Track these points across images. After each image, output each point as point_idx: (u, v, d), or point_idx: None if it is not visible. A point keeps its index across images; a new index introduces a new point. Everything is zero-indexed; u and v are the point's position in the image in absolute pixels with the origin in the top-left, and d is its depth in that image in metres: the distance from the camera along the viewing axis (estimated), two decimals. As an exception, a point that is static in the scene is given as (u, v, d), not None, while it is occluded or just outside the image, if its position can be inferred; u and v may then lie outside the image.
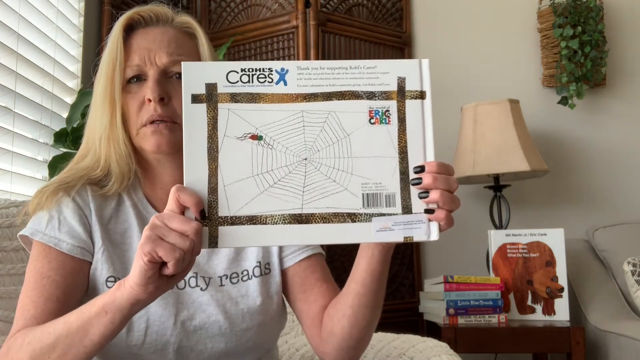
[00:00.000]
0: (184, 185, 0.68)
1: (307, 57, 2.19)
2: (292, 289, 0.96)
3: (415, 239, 0.70)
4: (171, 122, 0.88)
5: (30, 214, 0.90)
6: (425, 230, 0.70)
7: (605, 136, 2.44)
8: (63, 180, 0.90)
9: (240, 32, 2.31)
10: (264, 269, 0.94)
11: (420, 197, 0.70)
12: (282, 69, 0.71)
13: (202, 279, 0.90)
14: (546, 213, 2.42)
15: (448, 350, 1.02)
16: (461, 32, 2.54)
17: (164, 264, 0.66)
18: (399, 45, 2.49)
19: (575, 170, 2.45)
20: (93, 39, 2.00)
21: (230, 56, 2.33)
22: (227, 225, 0.68)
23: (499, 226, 2.15)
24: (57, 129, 1.69)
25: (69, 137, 1.62)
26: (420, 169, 0.70)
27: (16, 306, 0.85)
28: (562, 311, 1.88)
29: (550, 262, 1.92)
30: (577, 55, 2.32)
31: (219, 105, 0.70)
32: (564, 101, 2.36)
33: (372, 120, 0.71)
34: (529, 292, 1.92)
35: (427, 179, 0.70)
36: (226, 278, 0.92)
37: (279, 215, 0.68)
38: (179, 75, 0.89)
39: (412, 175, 0.70)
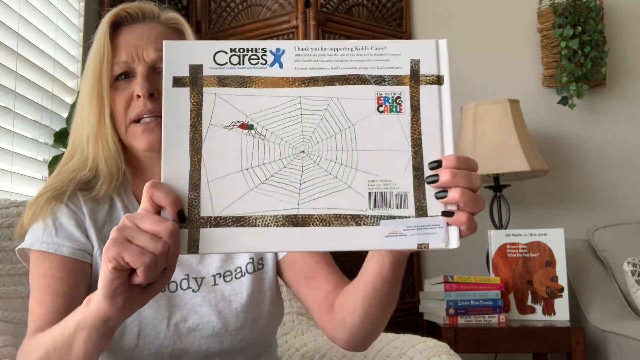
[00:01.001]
0: (162, 180, 0.59)
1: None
2: (293, 276, 0.93)
3: (432, 247, 0.60)
4: (161, 118, 0.87)
5: (26, 226, 0.89)
6: (442, 237, 0.61)
7: (605, 136, 2.44)
8: (53, 186, 0.89)
9: (240, 32, 2.31)
10: (257, 264, 0.93)
11: (437, 197, 0.61)
12: (278, 50, 0.63)
13: (193, 280, 0.90)
14: (546, 213, 2.42)
15: (448, 350, 1.02)
16: (461, 32, 2.54)
17: (133, 272, 0.58)
18: (399, 45, 2.49)
19: (575, 170, 2.45)
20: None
21: (230, 56, 2.33)
22: (210, 227, 0.59)
23: (499, 226, 2.15)
24: (57, 129, 1.69)
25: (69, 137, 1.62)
26: (437, 164, 0.61)
27: (16, 306, 0.85)
28: (562, 311, 1.88)
29: (550, 262, 1.92)
30: (577, 55, 2.32)
31: (204, 89, 0.62)
32: (564, 101, 2.36)
33: (381, 109, 0.62)
34: (529, 292, 1.92)
35: (444, 175, 0.60)
36: (219, 277, 0.91)
37: (271, 216, 0.60)
38: None
39: (427, 172, 0.61)
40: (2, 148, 1.48)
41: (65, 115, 1.75)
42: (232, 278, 0.91)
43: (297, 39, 2.21)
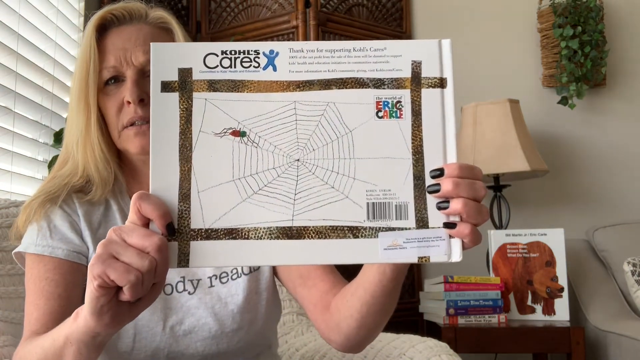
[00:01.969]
0: (150, 191, 0.57)
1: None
2: (288, 275, 0.92)
3: (433, 260, 0.58)
4: None
5: (20, 229, 0.88)
6: (444, 249, 0.58)
7: (605, 136, 2.44)
8: (48, 190, 0.88)
9: (240, 32, 2.31)
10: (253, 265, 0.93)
11: (439, 208, 0.58)
12: (271, 52, 0.59)
13: (189, 282, 0.89)
14: (546, 213, 2.42)
15: (448, 350, 1.02)
16: (461, 32, 2.54)
17: (120, 288, 0.56)
18: (399, 45, 2.49)
19: (575, 170, 2.45)
20: (93, 39, 2.00)
21: (230, 56, 2.33)
22: (201, 239, 0.56)
23: (499, 226, 2.15)
24: (57, 129, 1.69)
25: (69, 137, 1.62)
26: (439, 173, 0.58)
27: (16, 306, 0.84)
28: (562, 311, 1.88)
29: (550, 262, 1.92)
30: (577, 55, 2.32)
31: (194, 94, 0.59)
32: (564, 101, 2.36)
33: (380, 114, 0.59)
34: (529, 292, 1.92)
35: (446, 184, 0.57)
36: (215, 278, 0.90)
37: (264, 228, 0.57)
38: None
39: (428, 181, 0.59)
40: (2, 148, 1.48)
41: (65, 115, 1.75)
42: (228, 279, 0.90)
43: (297, 39, 2.21)
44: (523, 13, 2.51)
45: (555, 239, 1.92)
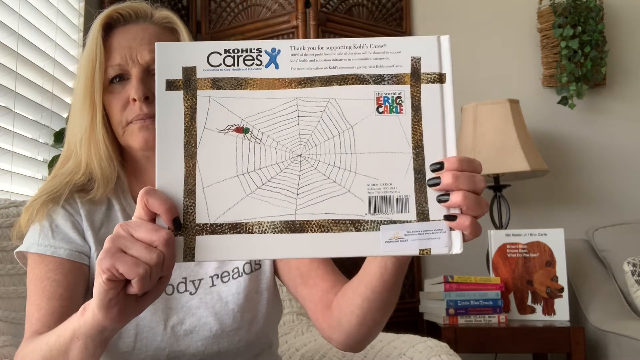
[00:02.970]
0: (156, 187, 0.58)
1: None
2: (289, 275, 0.92)
3: (434, 252, 0.59)
4: None
5: (23, 229, 0.89)
6: (445, 241, 0.60)
7: (605, 136, 2.44)
8: (50, 190, 0.88)
9: (240, 32, 2.31)
10: (254, 265, 0.93)
11: (440, 201, 0.59)
12: (273, 50, 0.61)
13: (191, 283, 0.90)
14: (546, 213, 2.42)
15: (448, 350, 1.02)
16: (461, 32, 2.54)
17: (128, 282, 0.57)
18: (399, 45, 2.49)
19: (575, 170, 2.45)
20: (93, 39, 2.00)
21: (230, 56, 2.33)
22: (206, 234, 0.57)
23: (499, 226, 2.15)
24: (57, 129, 1.69)
25: (69, 137, 1.62)
26: (439, 167, 0.59)
27: (16, 306, 0.85)
28: (562, 311, 1.88)
29: (550, 262, 1.92)
30: (577, 55, 2.32)
31: (198, 92, 0.60)
32: (564, 101, 2.36)
33: (381, 109, 0.60)
34: (529, 292, 1.92)
35: (446, 178, 0.58)
36: (217, 277, 0.91)
37: (268, 222, 0.58)
38: None
39: (428, 175, 0.60)
40: (2, 148, 1.48)
41: (65, 115, 1.75)
42: (229, 278, 0.91)
43: (297, 39, 2.21)
44: (523, 13, 2.51)
45: (555, 239, 1.92)
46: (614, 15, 2.46)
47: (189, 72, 0.60)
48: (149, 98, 0.85)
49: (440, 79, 0.61)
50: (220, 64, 0.60)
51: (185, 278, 0.90)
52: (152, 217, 0.57)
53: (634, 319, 1.87)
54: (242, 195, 0.58)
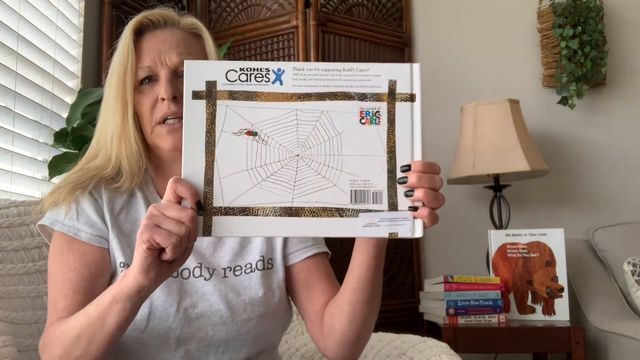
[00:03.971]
0: (182, 176, 0.71)
1: (307, 57, 2.19)
2: (296, 285, 0.99)
3: (400, 235, 0.72)
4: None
5: (45, 209, 0.94)
6: (409, 227, 0.73)
7: (605, 136, 2.44)
8: (76, 179, 0.94)
9: (240, 32, 2.31)
10: (267, 263, 0.97)
11: (406, 195, 0.73)
12: (279, 70, 0.74)
13: (206, 269, 0.94)
14: (546, 213, 2.42)
15: (448, 350, 1.02)
16: (461, 32, 2.54)
17: (162, 250, 0.70)
18: (399, 45, 2.49)
19: (575, 170, 2.45)
20: (93, 39, 2.00)
21: (230, 56, 2.33)
22: (220, 215, 0.71)
23: (499, 226, 2.15)
24: (57, 129, 1.69)
25: (69, 137, 1.62)
26: (407, 168, 0.73)
27: (16, 306, 0.85)
28: (562, 311, 1.88)
29: (550, 262, 1.92)
30: (577, 55, 2.32)
31: (218, 102, 0.73)
32: (564, 101, 2.36)
33: (363, 121, 0.74)
34: (529, 292, 1.92)
35: (412, 177, 0.72)
36: (230, 270, 0.95)
37: (270, 207, 0.71)
38: None
39: (399, 174, 0.73)
40: (2, 148, 1.48)
41: (65, 115, 1.75)
42: (241, 272, 0.95)
43: (297, 39, 2.21)
44: (523, 13, 2.51)
45: (555, 239, 1.92)
46: (614, 15, 2.46)
47: (211, 85, 0.74)
48: (176, 98, 0.92)
49: (411, 98, 0.75)
50: (236, 80, 0.74)
51: (200, 263, 0.94)
52: (179, 201, 0.70)
53: (634, 319, 1.88)
54: (250, 185, 0.72)
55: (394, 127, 0.74)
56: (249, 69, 0.74)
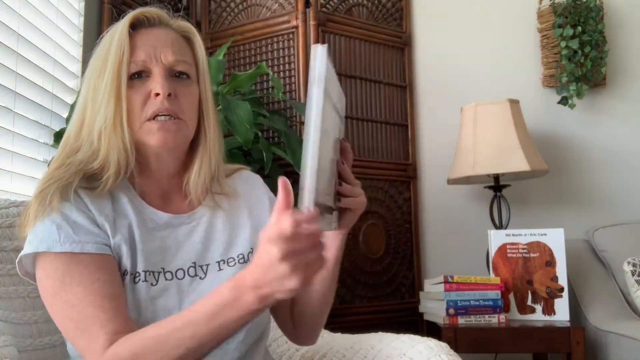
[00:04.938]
0: (308, 170, 0.69)
1: (307, 57, 2.19)
2: None
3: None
4: (177, 118, 0.91)
5: (31, 218, 0.87)
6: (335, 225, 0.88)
7: (605, 136, 2.44)
8: (59, 177, 0.88)
9: (240, 32, 2.31)
10: None
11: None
12: None
13: (200, 268, 0.94)
14: (546, 213, 2.42)
15: (448, 350, 1.02)
16: (461, 32, 2.54)
17: None
18: (399, 45, 2.49)
19: (575, 170, 2.45)
20: (93, 39, 2.00)
21: (230, 56, 2.33)
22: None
23: (499, 226, 2.15)
24: (57, 129, 1.69)
25: (69, 137, 1.62)
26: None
27: (16, 306, 0.84)
28: (562, 311, 1.88)
29: (550, 262, 1.92)
30: (577, 55, 2.32)
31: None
32: (564, 101, 2.36)
33: None
34: (529, 292, 1.92)
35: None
36: (223, 262, 0.96)
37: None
38: (183, 74, 0.94)
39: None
40: (2, 148, 1.48)
41: (65, 115, 1.75)
42: (235, 263, 0.96)
43: (297, 39, 2.21)
44: (523, 13, 2.51)
45: (555, 239, 1.92)
46: (614, 15, 2.46)
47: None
48: (170, 95, 0.90)
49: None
50: None
51: (194, 263, 0.94)
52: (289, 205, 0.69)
53: (634, 319, 1.88)
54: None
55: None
56: None
